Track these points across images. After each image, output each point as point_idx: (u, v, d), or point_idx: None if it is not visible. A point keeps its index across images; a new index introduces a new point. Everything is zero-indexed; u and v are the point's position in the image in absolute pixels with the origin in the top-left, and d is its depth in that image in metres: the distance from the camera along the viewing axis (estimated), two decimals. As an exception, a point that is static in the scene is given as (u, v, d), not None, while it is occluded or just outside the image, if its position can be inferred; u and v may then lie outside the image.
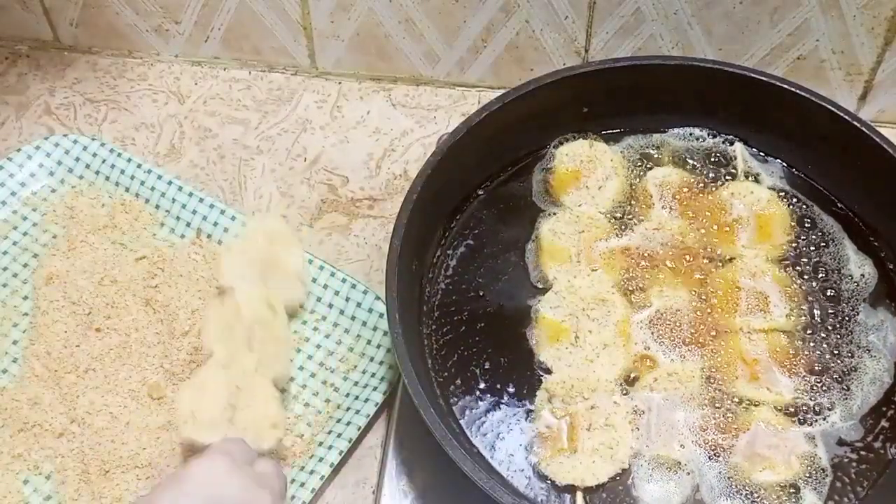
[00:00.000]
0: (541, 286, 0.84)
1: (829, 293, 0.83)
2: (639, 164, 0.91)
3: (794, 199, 0.88)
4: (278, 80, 1.11)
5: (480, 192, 0.90)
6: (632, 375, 0.79)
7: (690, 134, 0.92)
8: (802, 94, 0.86)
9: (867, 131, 0.84)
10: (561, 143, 0.91)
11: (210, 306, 0.83)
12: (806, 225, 0.87)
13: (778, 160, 0.91)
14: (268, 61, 1.10)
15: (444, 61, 1.06)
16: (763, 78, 0.88)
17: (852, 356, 0.79)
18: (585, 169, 0.89)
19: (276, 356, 0.83)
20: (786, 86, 0.87)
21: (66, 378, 0.85)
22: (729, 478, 0.74)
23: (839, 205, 0.87)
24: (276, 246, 0.88)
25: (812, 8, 0.94)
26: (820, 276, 0.84)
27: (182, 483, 0.66)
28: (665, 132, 0.93)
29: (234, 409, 0.77)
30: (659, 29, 0.99)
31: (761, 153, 0.91)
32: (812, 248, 0.85)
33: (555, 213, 0.88)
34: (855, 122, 0.84)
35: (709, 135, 0.92)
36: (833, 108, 0.85)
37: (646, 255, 0.85)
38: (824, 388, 0.78)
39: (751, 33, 0.98)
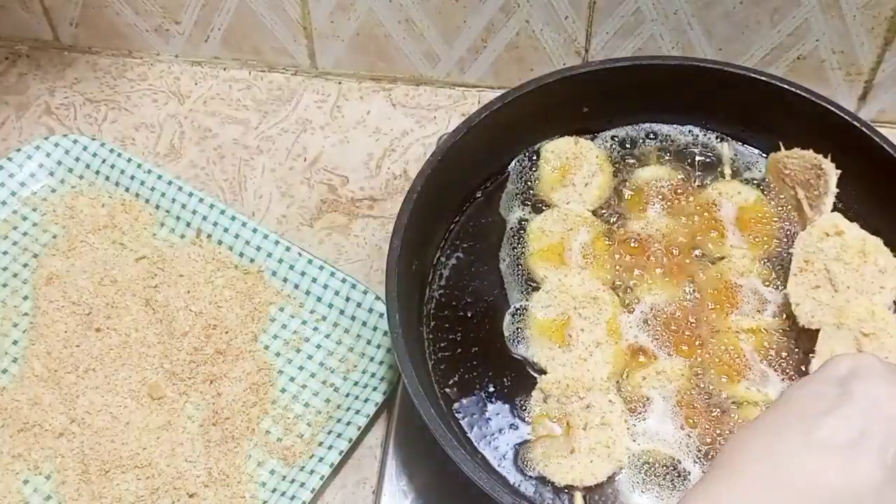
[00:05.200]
0: (532, 285, 0.84)
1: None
2: (633, 162, 0.91)
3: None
4: (278, 80, 1.11)
5: (480, 193, 0.90)
6: (624, 373, 0.79)
7: (689, 132, 0.92)
8: (802, 94, 0.86)
9: (867, 131, 0.84)
10: (549, 141, 0.92)
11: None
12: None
13: (778, 160, 0.91)
14: (268, 61, 1.10)
15: (444, 61, 1.06)
16: (763, 78, 0.88)
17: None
18: (571, 166, 0.89)
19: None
20: (786, 86, 0.87)
21: (66, 378, 0.85)
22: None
23: (839, 205, 0.87)
24: None
25: (812, 8, 0.94)
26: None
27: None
28: (664, 132, 0.92)
29: None
30: (659, 29, 0.99)
31: (762, 153, 0.91)
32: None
33: (543, 211, 0.88)
34: (855, 122, 0.84)
35: (707, 134, 0.92)
36: (833, 108, 0.85)
37: (635, 253, 0.85)
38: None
39: (751, 33, 0.98)
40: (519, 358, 0.80)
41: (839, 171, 0.83)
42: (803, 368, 0.78)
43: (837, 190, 0.83)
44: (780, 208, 0.87)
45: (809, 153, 0.85)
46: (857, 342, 0.76)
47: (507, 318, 0.83)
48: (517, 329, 0.82)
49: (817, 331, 0.77)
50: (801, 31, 0.96)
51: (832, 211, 0.83)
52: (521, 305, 0.83)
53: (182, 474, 0.81)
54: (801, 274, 0.80)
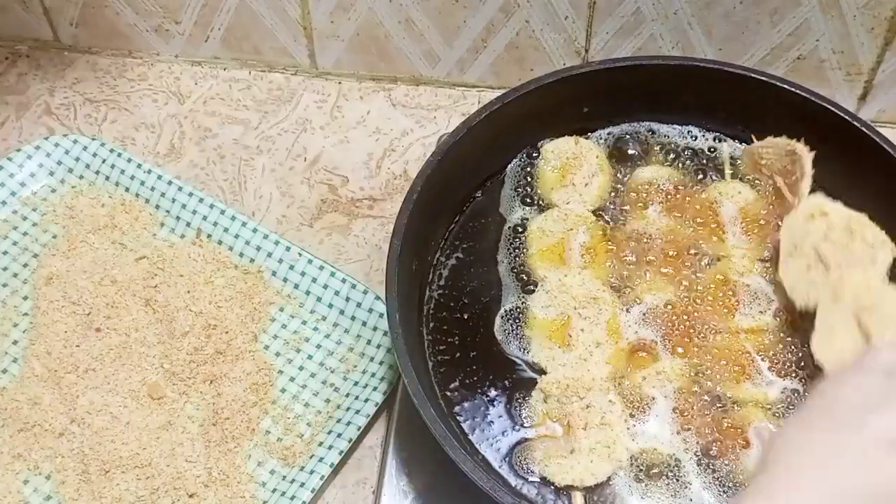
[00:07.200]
0: (532, 286, 0.84)
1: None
2: (633, 162, 0.91)
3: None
4: (278, 80, 1.11)
5: (480, 193, 0.90)
6: (624, 374, 0.79)
7: (689, 132, 0.92)
8: (802, 94, 0.86)
9: (867, 131, 0.84)
10: (549, 141, 0.92)
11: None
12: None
13: (778, 160, 0.91)
14: (268, 61, 1.10)
15: (444, 61, 1.06)
16: (763, 78, 0.88)
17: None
18: (571, 166, 0.89)
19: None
20: (786, 86, 0.87)
21: (66, 378, 0.85)
22: (722, 476, 0.74)
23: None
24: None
25: (812, 8, 0.94)
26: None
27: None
28: (663, 132, 0.93)
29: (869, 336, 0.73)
30: (659, 29, 0.99)
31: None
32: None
33: (543, 211, 0.88)
34: (855, 122, 0.84)
35: (706, 134, 0.92)
36: (833, 108, 0.85)
37: (635, 253, 0.85)
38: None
39: (751, 33, 0.98)
40: (513, 360, 0.80)
41: (813, 152, 0.82)
42: (803, 365, 0.78)
43: (814, 170, 0.82)
44: (780, 208, 0.87)
45: (782, 140, 0.85)
46: (855, 316, 0.74)
47: (498, 320, 0.83)
48: (511, 330, 0.82)
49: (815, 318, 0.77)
50: (801, 31, 0.96)
51: (816, 194, 0.83)
52: (511, 307, 0.83)
53: (182, 474, 0.81)
54: (790, 259, 0.80)
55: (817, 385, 0.60)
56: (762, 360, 0.79)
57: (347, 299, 0.90)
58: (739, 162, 0.89)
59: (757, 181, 0.89)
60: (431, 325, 0.83)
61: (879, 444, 0.55)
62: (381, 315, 0.88)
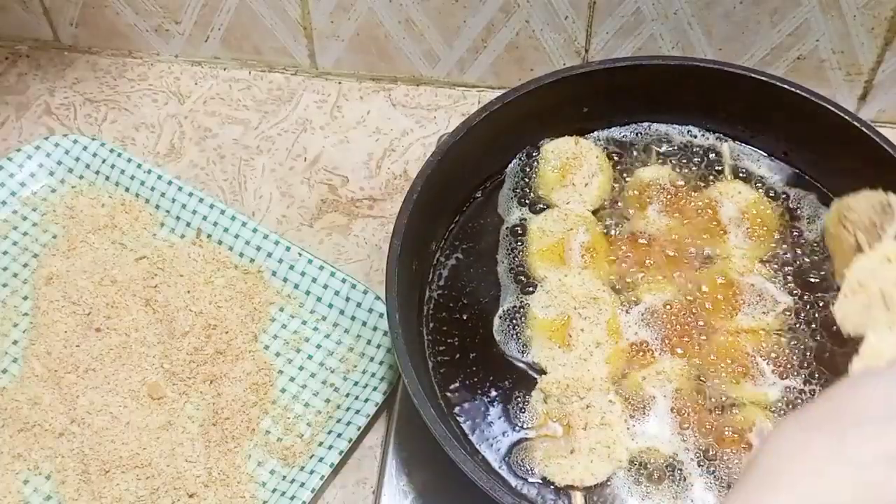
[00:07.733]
0: (531, 286, 0.84)
1: (819, 293, 0.82)
2: (633, 162, 0.91)
3: (793, 199, 0.88)
4: (278, 80, 1.11)
5: (480, 193, 0.90)
6: (624, 374, 0.79)
7: (689, 132, 0.92)
8: (802, 94, 0.86)
9: (867, 131, 0.84)
10: (549, 141, 0.92)
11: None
12: (801, 225, 0.86)
13: (778, 160, 0.91)
14: (268, 61, 1.10)
15: (444, 61, 1.06)
16: (763, 78, 0.88)
17: (845, 356, 0.79)
18: (571, 166, 0.89)
19: None
20: (786, 86, 0.87)
21: (66, 378, 0.85)
22: (722, 476, 0.74)
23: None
24: None
25: (812, 8, 0.94)
26: (811, 275, 0.83)
27: None
28: (663, 132, 0.93)
29: None
30: (659, 29, 0.99)
31: (763, 153, 0.91)
32: (806, 248, 0.85)
33: (543, 211, 0.88)
34: (855, 122, 0.84)
35: (706, 134, 0.92)
36: (833, 108, 0.85)
37: (635, 253, 0.85)
38: (816, 388, 0.77)
39: (751, 33, 0.98)
40: (513, 360, 0.80)
41: None
42: (804, 366, 0.78)
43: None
44: (780, 210, 0.87)
45: (875, 192, 0.81)
46: None
47: (497, 321, 0.83)
48: (511, 330, 0.82)
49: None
50: (801, 31, 0.96)
51: None
52: (511, 307, 0.83)
53: (182, 474, 0.81)
54: (852, 296, 0.78)
55: (830, 387, 0.54)
56: (764, 360, 0.79)
57: (347, 299, 0.90)
58: (824, 217, 0.86)
59: (758, 183, 0.89)
60: (431, 325, 0.83)
61: (883, 459, 0.50)
62: (381, 315, 0.88)
